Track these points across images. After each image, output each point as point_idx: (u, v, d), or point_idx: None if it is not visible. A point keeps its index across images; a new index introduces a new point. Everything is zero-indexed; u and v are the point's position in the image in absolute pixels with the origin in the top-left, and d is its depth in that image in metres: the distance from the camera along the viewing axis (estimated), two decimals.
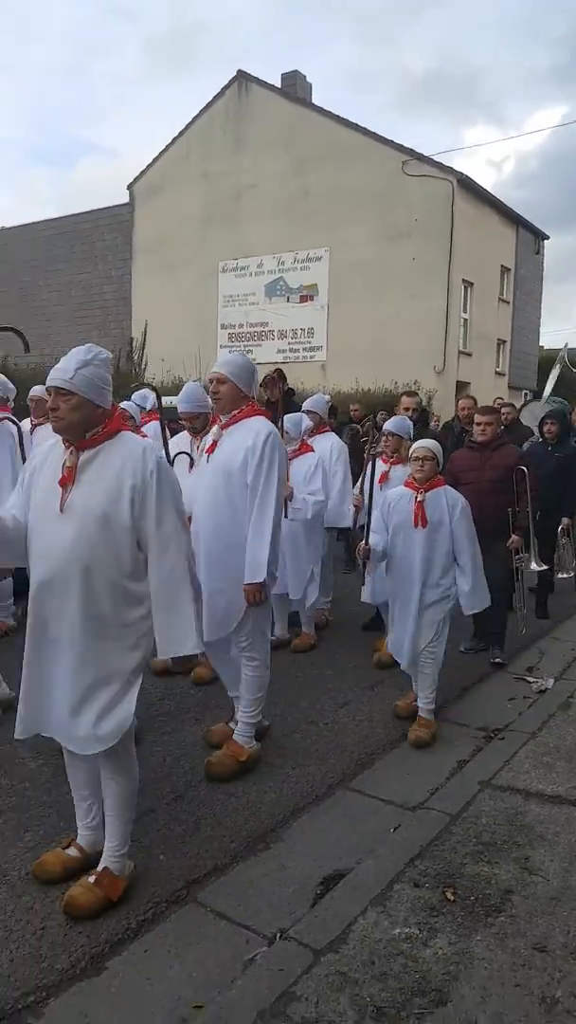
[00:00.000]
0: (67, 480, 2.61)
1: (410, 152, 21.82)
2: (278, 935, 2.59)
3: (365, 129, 22.81)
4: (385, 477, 5.13)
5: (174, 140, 27.13)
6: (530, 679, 5.14)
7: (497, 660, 5.44)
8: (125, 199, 28.87)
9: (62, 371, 2.59)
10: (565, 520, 6.64)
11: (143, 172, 28.20)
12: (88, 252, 30.02)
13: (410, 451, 4.30)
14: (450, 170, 21.19)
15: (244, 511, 3.57)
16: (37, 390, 5.89)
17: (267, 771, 3.76)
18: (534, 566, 5.81)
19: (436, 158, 21.69)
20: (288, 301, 23.99)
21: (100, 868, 2.74)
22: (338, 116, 23.32)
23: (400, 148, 21.95)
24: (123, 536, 2.60)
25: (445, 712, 4.55)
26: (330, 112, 23.58)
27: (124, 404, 5.81)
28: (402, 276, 21.39)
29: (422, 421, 6.86)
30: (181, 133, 26.90)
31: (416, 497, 4.14)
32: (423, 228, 21.26)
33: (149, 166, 27.97)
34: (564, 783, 3.62)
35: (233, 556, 3.55)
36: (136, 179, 28.47)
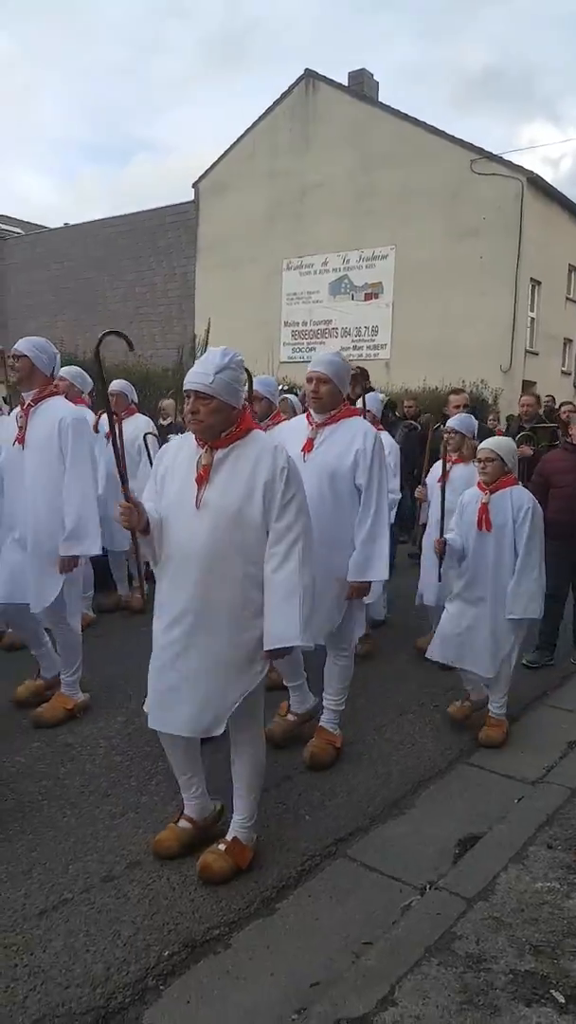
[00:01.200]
0: (203, 478, 2.73)
1: (479, 151, 21.78)
2: (428, 886, 2.85)
3: (433, 127, 22.82)
4: (446, 476, 4.98)
5: (239, 139, 27.45)
6: None
7: (526, 662, 5.20)
8: (179, 195, 29.35)
9: (201, 375, 2.68)
10: None
11: (208, 170, 28.59)
12: (152, 249, 30.55)
13: (477, 452, 4.25)
14: (519, 168, 21.11)
15: (349, 511, 3.59)
16: (116, 385, 6.11)
17: (388, 747, 4.01)
18: None
19: (504, 156, 21.61)
20: (352, 299, 24.15)
21: (230, 837, 2.91)
22: (405, 114, 23.36)
23: (469, 146, 21.91)
24: (255, 530, 2.72)
25: (545, 699, 4.75)
26: (397, 110, 23.63)
27: None
28: (469, 274, 21.38)
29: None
30: (247, 132, 27.20)
31: (481, 499, 4.09)
32: (491, 226, 21.22)
33: (214, 164, 28.34)
34: None
35: (336, 556, 3.54)
36: (201, 177, 28.88)
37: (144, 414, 6.60)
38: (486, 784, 3.67)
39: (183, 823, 3.02)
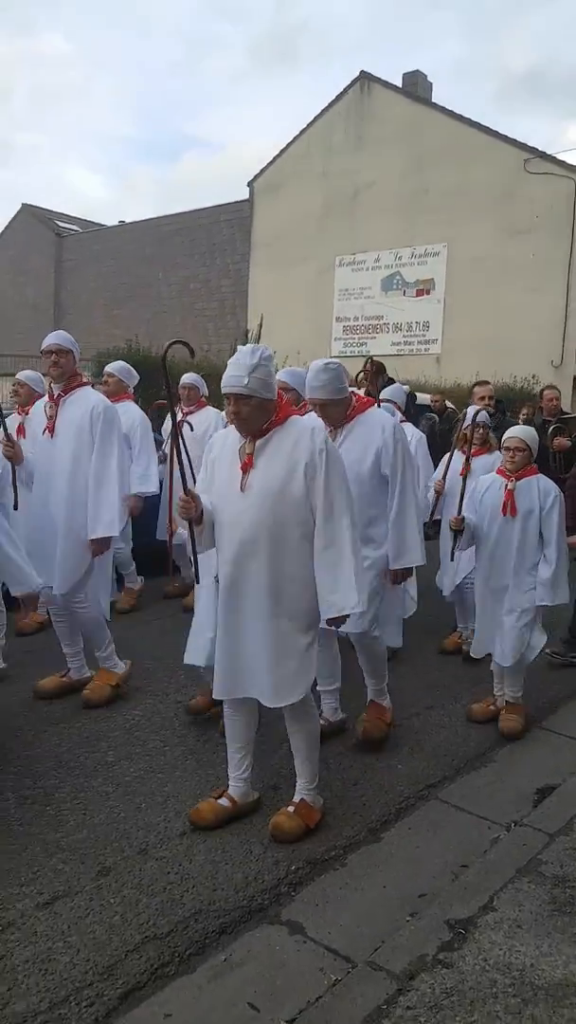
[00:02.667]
0: (248, 465, 2.95)
1: (532, 150, 21.84)
2: (512, 824, 3.24)
3: (486, 127, 22.92)
4: (468, 468, 4.84)
5: (295, 139, 27.80)
6: None
7: (550, 653, 5.12)
8: (230, 192, 29.82)
9: (236, 378, 2.86)
10: None
11: (263, 170, 29.02)
12: (207, 246, 31.12)
13: (503, 440, 4.24)
14: (572, 168, 21.12)
15: (379, 504, 3.69)
16: (188, 378, 6.33)
17: (463, 714, 4.39)
18: None
19: (557, 155, 21.64)
20: (404, 295, 24.35)
21: (297, 799, 3.13)
22: (459, 115, 23.47)
23: (522, 146, 21.98)
24: (299, 506, 2.91)
25: None
26: (451, 111, 23.73)
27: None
28: (521, 271, 21.47)
29: (499, 411, 6.80)
30: (302, 132, 27.54)
31: (507, 485, 4.10)
32: (544, 225, 21.26)
33: (269, 164, 28.76)
34: None
35: (367, 550, 3.56)
36: (256, 176, 29.34)
37: (215, 407, 6.75)
38: (556, 744, 4.05)
39: (224, 800, 3.16)
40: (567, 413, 8.25)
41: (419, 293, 23.95)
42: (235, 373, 2.87)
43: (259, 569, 2.94)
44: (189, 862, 2.91)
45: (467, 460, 4.58)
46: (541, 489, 4.11)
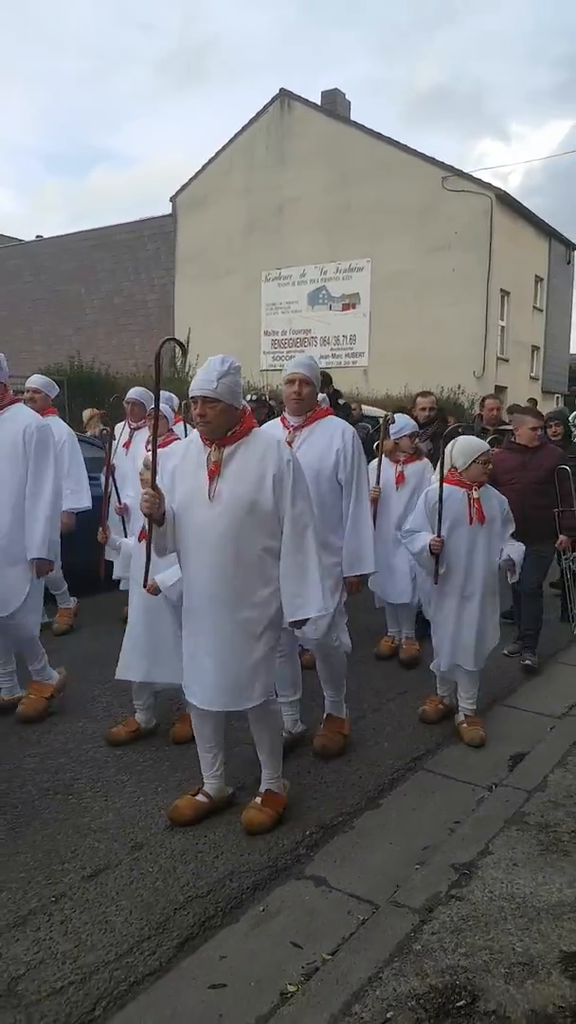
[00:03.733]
0: (214, 472, 3.01)
1: (449, 168, 22.85)
2: (494, 785, 3.63)
3: (404, 145, 23.87)
4: (402, 477, 5.30)
5: (216, 155, 28.24)
6: None
7: (528, 663, 5.32)
8: (145, 207, 30.04)
9: (206, 382, 2.96)
10: None
11: (185, 185, 29.32)
12: (131, 261, 31.13)
13: (469, 454, 4.16)
14: (488, 186, 22.24)
15: (332, 510, 3.70)
16: (134, 393, 6.05)
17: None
18: None
19: (473, 173, 22.71)
20: (330, 309, 25.05)
21: (263, 791, 3.27)
22: (378, 133, 24.38)
23: (440, 164, 23.00)
24: (266, 514, 3.01)
25: (560, 654, 5.60)
26: (370, 129, 24.63)
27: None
28: (442, 286, 22.42)
29: (440, 420, 6.89)
30: (224, 148, 28.01)
31: (472, 494, 4.13)
32: (462, 240, 22.29)
33: (192, 179, 29.09)
34: None
35: (324, 556, 3.44)
36: (179, 192, 29.62)
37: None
38: (520, 717, 4.48)
39: (200, 797, 3.28)
40: (505, 424, 8.36)
41: (345, 307, 24.67)
42: (205, 377, 2.97)
43: (225, 576, 3.00)
44: (213, 834, 3.18)
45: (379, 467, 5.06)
46: (498, 498, 4.26)
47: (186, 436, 5.04)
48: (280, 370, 7.57)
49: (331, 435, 3.72)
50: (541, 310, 26.17)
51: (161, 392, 6.72)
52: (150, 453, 3.07)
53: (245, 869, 2.96)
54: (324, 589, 3.12)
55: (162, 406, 5.75)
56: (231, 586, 3.01)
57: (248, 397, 8.24)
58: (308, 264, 25.57)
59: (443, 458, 4.34)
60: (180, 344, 3.21)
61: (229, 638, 3.04)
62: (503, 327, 23.54)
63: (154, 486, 2.99)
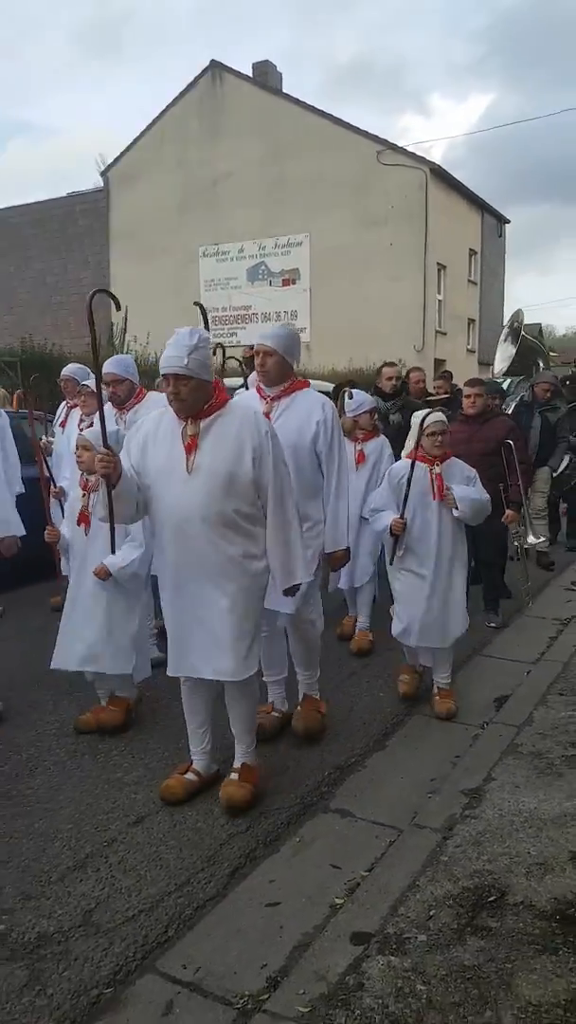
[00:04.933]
0: (192, 446, 2.98)
1: (384, 142, 23.10)
2: (485, 723, 3.99)
3: (338, 119, 24.01)
4: (362, 456, 5.14)
5: (148, 128, 27.85)
6: None
7: (492, 625, 5.58)
8: (70, 181, 29.53)
9: (176, 359, 2.87)
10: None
11: (117, 159, 28.85)
12: (62, 238, 30.50)
13: (424, 425, 4.03)
14: (423, 160, 22.59)
15: (312, 482, 3.64)
16: (68, 370, 5.95)
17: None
18: (531, 539, 6.45)
19: (407, 147, 23.01)
20: (270, 285, 25.16)
21: (239, 765, 3.24)
22: (312, 106, 24.45)
23: (374, 138, 23.22)
24: (246, 487, 3.00)
25: (525, 608, 6.02)
26: (303, 102, 24.67)
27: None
28: (380, 260, 22.75)
29: (404, 390, 6.88)
30: (155, 121, 27.65)
31: (433, 469, 4.04)
32: (399, 215, 22.64)
33: (123, 153, 28.63)
34: None
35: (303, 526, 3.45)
36: (110, 165, 29.11)
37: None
38: (499, 665, 4.86)
39: (190, 775, 3.31)
40: (431, 395, 8.37)
41: (285, 283, 24.80)
42: (174, 354, 2.89)
43: (205, 549, 3.00)
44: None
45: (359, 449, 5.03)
46: (462, 469, 4.15)
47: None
48: (222, 346, 7.62)
49: (311, 407, 3.63)
50: (476, 283, 26.79)
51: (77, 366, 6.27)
52: (85, 432, 3.13)
53: (276, 807, 3.23)
54: (306, 558, 3.22)
55: (94, 382, 5.63)
56: (212, 558, 3.00)
57: None
58: (246, 239, 25.57)
59: (352, 429, 4.48)
60: (112, 296, 3.09)
61: (212, 610, 3.05)
62: (440, 301, 24.06)
63: (106, 445, 2.94)
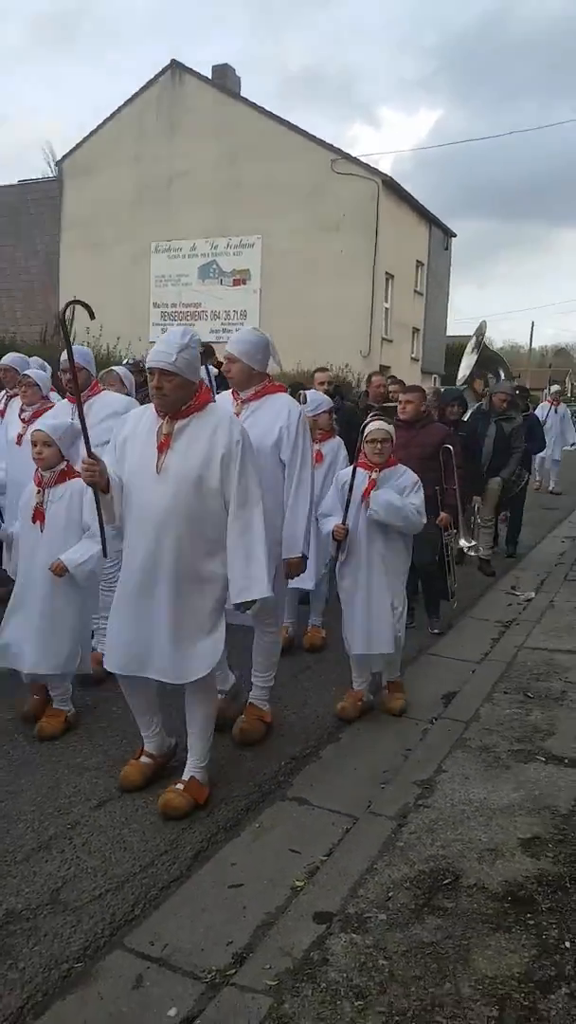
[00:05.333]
0: (164, 445, 2.99)
1: (338, 151, 23.39)
2: (435, 718, 4.14)
3: (295, 126, 24.20)
4: (320, 456, 5.04)
5: (104, 122, 27.57)
6: (516, 593, 6.87)
7: (435, 631, 5.60)
8: (17, 169, 28.95)
9: (164, 355, 2.90)
10: (477, 499, 7.37)
11: (72, 150, 28.46)
12: (12, 225, 29.89)
13: (364, 433, 4.07)
14: (376, 171, 22.94)
15: (273, 487, 3.58)
16: (8, 359, 5.83)
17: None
18: (463, 543, 6.57)
19: (361, 158, 23.36)
20: (221, 283, 25.16)
21: (187, 778, 3.15)
22: (269, 112, 24.58)
23: (329, 147, 23.50)
24: (213, 493, 3.00)
25: (469, 610, 6.23)
26: (261, 107, 24.79)
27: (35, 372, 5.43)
28: (331, 266, 23.02)
29: (339, 395, 6.88)
30: (112, 116, 27.38)
31: (371, 475, 4.03)
32: (350, 223, 22.94)
33: (78, 145, 28.27)
34: (572, 644, 5.32)
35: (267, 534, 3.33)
36: (65, 156, 28.72)
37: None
38: (446, 664, 5.04)
39: (144, 758, 3.32)
40: (389, 402, 7.96)
41: (236, 282, 24.84)
42: (164, 349, 2.93)
43: (171, 549, 2.98)
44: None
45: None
46: (403, 476, 4.13)
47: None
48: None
49: (277, 412, 3.64)
50: (421, 294, 27.32)
51: (33, 359, 6.27)
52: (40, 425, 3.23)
53: (236, 795, 3.31)
54: (269, 571, 3.12)
55: (35, 372, 5.45)
56: (174, 560, 2.99)
57: (125, 361, 7.99)
58: (199, 238, 25.53)
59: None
60: (86, 307, 3.04)
61: (173, 610, 3.03)
62: (387, 309, 24.45)
63: (90, 454, 2.95)
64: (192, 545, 3.01)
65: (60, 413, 4.50)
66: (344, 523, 3.99)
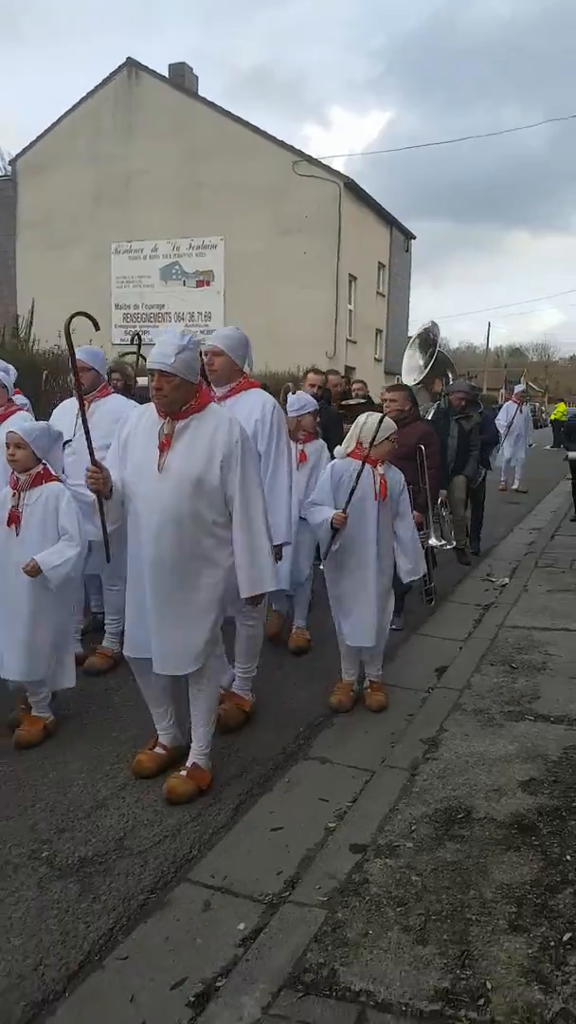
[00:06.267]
0: (165, 445, 3.09)
1: (299, 153, 23.80)
2: (431, 688, 4.55)
3: (255, 127, 24.55)
4: (304, 456, 5.13)
5: (59, 119, 27.56)
6: (492, 579, 7.35)
7: (394, 627, 5.08)
8: None
9: (164, 356, 3.01)
10: (443, 492, 7.04)
11: (26, 148, 28.37)
12: None
13: (378, 430, 4.04)
14: (337, 173, 23.41)
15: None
16: None
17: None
18: (433, 541, 6.65)
19: (323, 160, 23.80)
20: (184, 285, 25.40)
21: (190, 764, 3.31)
22: (228, 111, 24.87)
23: (290, 148, 23.88)
24: (213, 492, 3.11)
25: (450, 596, 6.68)
26: (220, 107, 25.07)
27: None
28: (294, 268, 23.43)
29: (326, 398, 6.94)
30: (67, 113, 27.39)
31: (377, 470, 4.12)
32: (312, 224, 23.38)
33: (33, 143, 28.19)
34: (547, 623, 5.80)
35: None
36: (19, 155, 28.60)
37: None
38: (438, 644, 5.46)
39: (158, 749, 3.47)
40: (349, 399, 8.25)
41: (200, 284, 25.10)
42: (163, 351, 3.02)
43: (173, 546, 3.10)
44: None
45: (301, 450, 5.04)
46: (397, 474, 4.28)
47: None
48: (130, 345, 7.43)
49: (251, 407, 3.76)
50: (384, 295, 27.90)
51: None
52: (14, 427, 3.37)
53: (264, 756, 3.69)
54: (273, 568, 3.28)
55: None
56: (176, 557, 3.11)
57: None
58: (160, 239, 25.71)
59: (351, 433, 4.20)
60: (91, 318, 3.17)
61: (174, 607, 3.16)
62: (351, 310, 24.96)
63: (94, 462, 3.06)
64: (192, 542, 3.13)
65: (65, 413, 4.60)
66: (344, 512, 3.99)
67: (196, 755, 3.35)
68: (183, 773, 3.29)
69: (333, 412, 7.15)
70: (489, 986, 2.17)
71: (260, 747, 3.79)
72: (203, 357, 3.57)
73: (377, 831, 2.99)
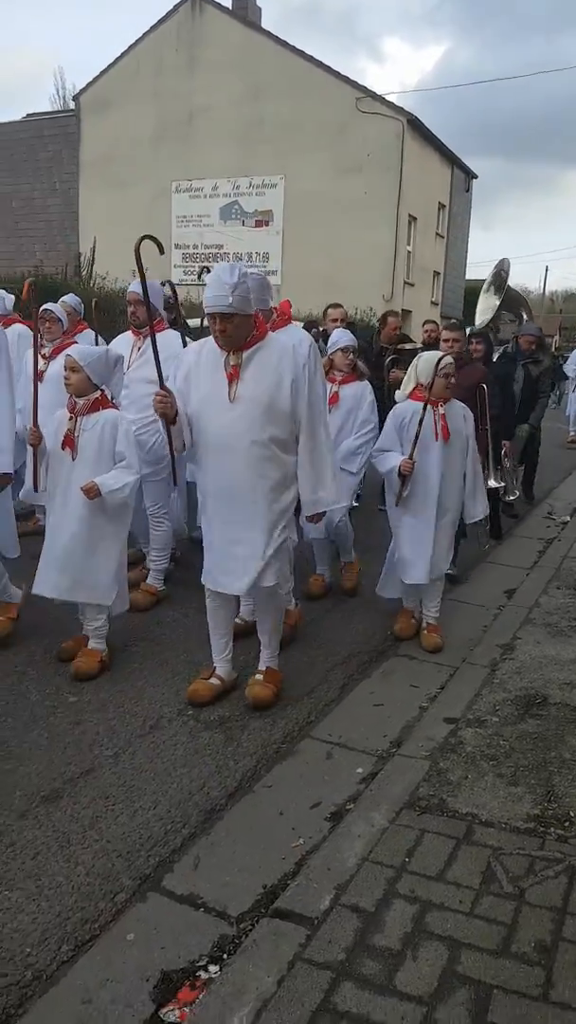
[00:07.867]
0: (234, 376, 3.19)
1: (363, 89, 23.44)
2: (501, 607, 5.03)
3: (319, 62, 24.15)
4: (336, 398, 4.80)
5: (123, 54, 27.40)
6: (553, 517, 7.75)
7: (449, 572, 4.96)
8: (20, 102, 28.69)
9: (220, 298, 3.01)
10: (506, 443, 6.85)
11: (89, 84, 28.34)
12: (30, 163, 29.89)
13: (440, 367, 4.03)
14: (401, 110, 23.04)
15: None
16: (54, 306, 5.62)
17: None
18: (492, 483, 6.42)
19: (386, 96, 23.42)
20: (243, 225, 25.43)
21: (263, 668, 3.60)
22: (293, 47, 24.48)
23: (354, 84, 23.51)
24: (284, 415, 3.23)
25: (515, 531, 7.10)
26: (285, 42, 24.68)
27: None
28: (354, 208, 23.29)
29: (365, 338, 6.69)
30: (130, 48, 27.20)
31: (438, 410, 4.10)
32: (374, 163, 23.14)
33: (96, 78, 28.13)
34: None
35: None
36: (82, 90, 28.59)
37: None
38: (505, 571, 5.93)
39: (214, 680, 3.60)
40: (404, 343, 7.76)
41: (258, 224, 25.11)
42: (218, 293, 3.02)
43: (244, 473, 3.23)
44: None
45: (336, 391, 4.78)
46: (461, 410, 4.26)
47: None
48: (191, 285, 7.61)
49: (278, 361, 3.26)
50: (443, 237, 27.59)
51: (68, 297, 6.62)
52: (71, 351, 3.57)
53: (359, 651, 4.25)
54: (336, 484, 3.46)
55: (56, 308, 5.45)
56: (250, 481, 3.25)
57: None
58: (220, 177, 25.68)
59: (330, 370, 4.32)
60: (156, 241, 3.18)
61: (251, 528, 3.31)
62: (410, 252, 24.80)
63: (163, 386, 3.20)
64: (264, 467, 3.26)
65: (121, 346, 4.50)
66: (412, 458, 4.03)
67: (268, 659, 3.66)
68: (259, 677, 3.57)
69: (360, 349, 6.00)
70: (572, 815, 2.70)
71: (356, 642, 4.34)
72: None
73: (466, 708, 3.52)
